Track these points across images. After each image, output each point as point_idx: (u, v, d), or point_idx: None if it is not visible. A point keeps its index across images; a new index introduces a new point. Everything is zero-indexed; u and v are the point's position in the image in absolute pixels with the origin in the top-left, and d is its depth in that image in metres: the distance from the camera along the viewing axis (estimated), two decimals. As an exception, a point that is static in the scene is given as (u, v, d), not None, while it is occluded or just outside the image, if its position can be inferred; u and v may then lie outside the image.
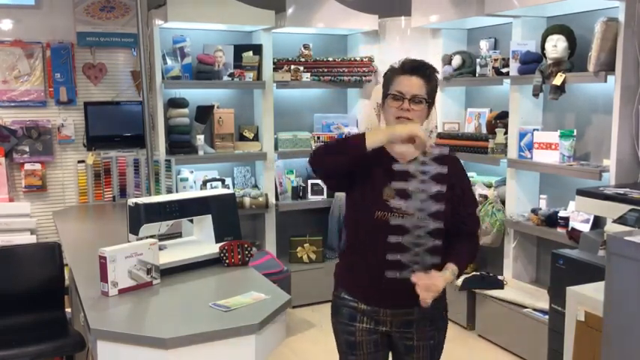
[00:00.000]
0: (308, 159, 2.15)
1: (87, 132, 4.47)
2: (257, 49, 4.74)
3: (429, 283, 1.97)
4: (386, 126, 2.12)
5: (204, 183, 4.62)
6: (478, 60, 4.43)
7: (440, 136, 4.72)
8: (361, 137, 2.00)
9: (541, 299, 3.79)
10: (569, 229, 3.69)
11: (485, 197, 4.31)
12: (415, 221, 1.99)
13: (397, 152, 2.12)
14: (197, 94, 4.72)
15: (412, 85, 2.06)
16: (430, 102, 2.11)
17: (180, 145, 4.58)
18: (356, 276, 2.17)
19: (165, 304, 2.35)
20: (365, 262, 2.12)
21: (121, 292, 2.38)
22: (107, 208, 4.39)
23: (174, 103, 4.57)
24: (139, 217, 2.65)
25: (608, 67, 3.42)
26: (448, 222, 2.06)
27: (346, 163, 2.05)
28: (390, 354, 2.27)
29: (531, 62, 3.91)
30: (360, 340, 2.17)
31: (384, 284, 2.07)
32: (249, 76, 4.68)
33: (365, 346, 2.17)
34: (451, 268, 2.06)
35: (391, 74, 2.13)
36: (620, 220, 2.79)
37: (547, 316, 3.42)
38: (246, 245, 2.79)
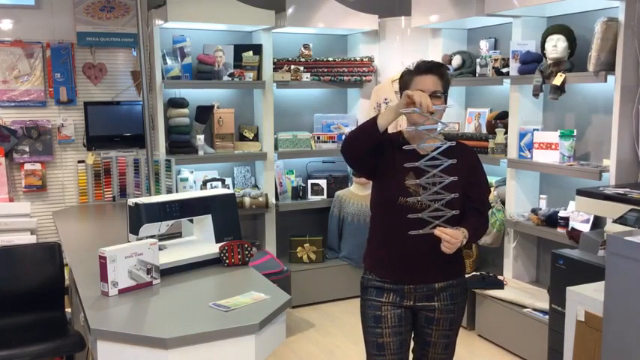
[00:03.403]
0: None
1: (87, 132, 4.47)
2: (257, 49, 4.74)
3: (450, 233, 2.15)
4: (407, 121, 2.33)
5: (204, 183, 4.62)
6: (478, 60, 4.43)
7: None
8: (374, 119, 2.22)
9: (541, 299, 3.79)
10: (569, 229, 3.69)
11: (486, 197, 4.31)
12: (433, 197, 2.18)
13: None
14: (197, 94, 4.73)
15: (429, 82, 2.27)
16: (446, 96, 2.33)
17: (180, 145, 4.58)
18: (381, 256, 2.38)
19: (165, 304, 2.35)
20: (389, 242, 2.34)
21: (121, 292, 2.38)
22: (107, 208, 4.39)
23: (174, 103, 4.57)
24: (139, 217, 2.65)
25: (608, 67, 3.42)
26: (460, 205, 2.25)
27: (365, 145, 2.25)
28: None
29: (531, 62, 3.91)
30: (386, 314, 2.34)
31: (407, 261, 2.30)
32: (249, 76, 4.68)
33: (390, 319, 2.33)
34: (463, 230, 2.22)
35: (408, 76, 2.33)
36: (620, 220, 2.79)
37: (547, 316, 3.42)
38: (246, 245, 2.79)
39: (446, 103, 2.33)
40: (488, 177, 4.71)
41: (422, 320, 2.38)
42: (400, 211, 2.25)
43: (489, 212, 4.21)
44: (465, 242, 2.23)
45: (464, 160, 2.29)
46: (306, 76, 4.87)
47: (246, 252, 2.79)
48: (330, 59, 4.97)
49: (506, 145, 4.20)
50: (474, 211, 2.33)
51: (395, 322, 2.33)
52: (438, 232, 2.15)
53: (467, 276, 4.16)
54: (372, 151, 2.27)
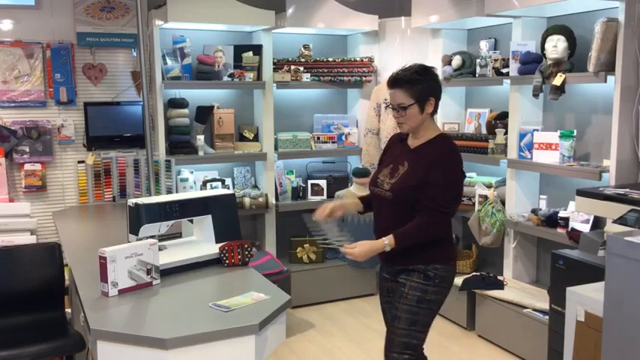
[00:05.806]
0: None
1: (87, 132, 4.47)
2: (257, 50, 4.74)
3: (348, 250, 2.54)
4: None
5: (204, 183, 4.62)
6: (478, 60, 4.43)
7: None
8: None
9: (541, 299, 3.79)
10: (569, 229, 3.69)
11: (486, 198, 4.31)
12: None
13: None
14: (197, 95, 4.73)
15: (394, 97, 2.51)
16: (421, 100, 2.48)
17: (180, 145, 4.58)
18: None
19: (165, 305, 2.35)
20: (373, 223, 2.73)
21: (121, 292, 2.38)
22: (107, 208, 4.39)
23: (174, 104, 4.57)
24: (139, 218, 2.65)
25: (608, 67, 3.42)
26: (414, 199, 2.50)
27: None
28: None
29: (531, 62, 3.91)
30: (380, 285, 2.83)
31: None
32: (249, 76, 4.68)
33: (381, 289, 2.83)
34: (388, 237, 2.50)
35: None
36: (620, 221, 2.79)
37: (547, 316, 3.42)
38: (246, 245, 2.80)
39: (424, 107, 2.49)
40: (488, 177, 4.72)
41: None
42: (375, 197, 2.64)
43: (489, 212, 4.21)
44: (389, 249, 2.50)
45: (428, 156, 2.49)
46: (306, 77, 4.87)
47: (246, 252, 2.79)
48: (330, 59, 4.97)
49: (506, 146, 4.20)
50: (422, 210, 2.50)
51: (384, 292, 2.80)
52: (341, 249, 2.55)
53: (467, 276, 4.21)
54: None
